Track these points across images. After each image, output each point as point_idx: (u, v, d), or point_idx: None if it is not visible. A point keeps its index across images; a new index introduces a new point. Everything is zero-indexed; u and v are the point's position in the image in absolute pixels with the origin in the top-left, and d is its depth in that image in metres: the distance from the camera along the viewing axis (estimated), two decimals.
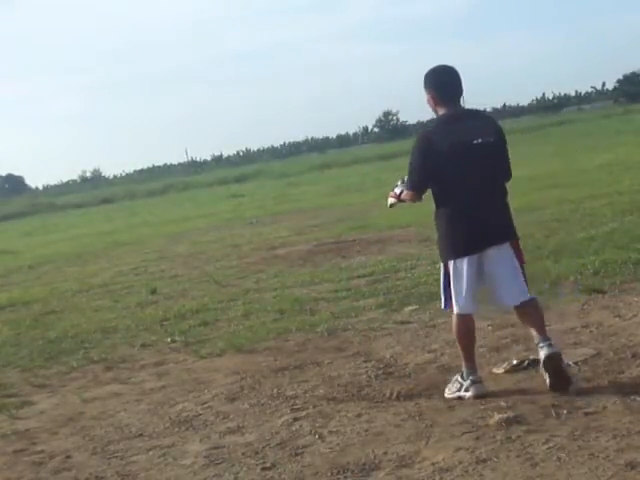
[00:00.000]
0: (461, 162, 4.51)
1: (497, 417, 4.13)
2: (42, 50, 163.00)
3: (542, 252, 8.35)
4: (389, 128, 70.96)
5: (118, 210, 34.87)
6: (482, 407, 4.36)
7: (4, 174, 78.10)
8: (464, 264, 4.54)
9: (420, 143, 4.65)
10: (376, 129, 74.02)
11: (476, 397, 4.49)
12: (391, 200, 4.92)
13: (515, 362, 4.95)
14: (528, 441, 3.83)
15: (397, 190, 4.86)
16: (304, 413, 4.74)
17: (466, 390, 4.55)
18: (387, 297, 7.54)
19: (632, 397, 4.16)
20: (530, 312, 4.67)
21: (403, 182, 4.82)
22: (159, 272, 12.12)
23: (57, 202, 48.96)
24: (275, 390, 5.27)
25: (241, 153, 78.43)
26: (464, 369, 4.62)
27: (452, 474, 3.63)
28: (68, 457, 4.67)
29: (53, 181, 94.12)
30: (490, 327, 5.95)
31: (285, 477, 3.92)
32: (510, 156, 4.76)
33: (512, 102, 75.18)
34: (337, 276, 9.13)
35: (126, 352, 7.05)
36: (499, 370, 4.94)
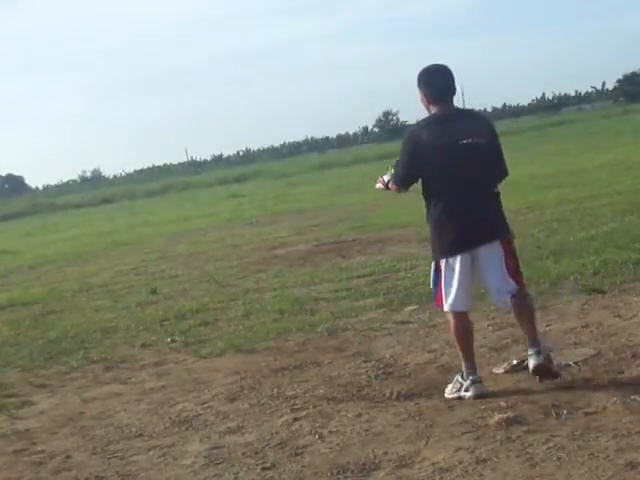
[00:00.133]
0: (448, 162, 4.55)
1: (497, 417, 4.13)
2: (42, 50, 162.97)
3: (542, 252, 8.35)
4: (389, 128, 70.85)
5: (118, 210, 34.87)
6: (482, 407, 4.36)
7: (4, 174, 78.08)
8: (456, 262, 4.58)
9: (408, 140, 4.71)
10: (376, 129, 73.96)
11: (476, 397, 4.50)
12: (379, 185, 5.10)
13: (515, 362, 4.95)
14: (528, 441, 3.83)
15: (386, 178, 5.00)
16: (304, 413, 4.74)
17: (466, 390, 4.55)
18: (387, 297, 7.54)
19: (632, 397, 4.16)
20: (522, 312, 4.71)
21: (393, 169, 4.92)
22: (159, 272, 12.13)
23: (57, 202, 48.95)
24: (275, 390, 5.27)
25: (241, 153, 78.38)
26: (464, 369, 4.63)
27: (452, 474, 3.63)
28: (68, 457, 4.68)
29: (53, 181, 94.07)
30: (490, 327, 5.95)
31: (285, 477, 3.92)
32: (505, 155, 4.78)
33: (512, 102, 75.13)
34: (337, 276, 9.13)
35: (126, 352, 7.06)
36: (499, 370, 4.94)
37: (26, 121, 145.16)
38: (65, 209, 44.14)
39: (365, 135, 74.24)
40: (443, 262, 4.63)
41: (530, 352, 4.62)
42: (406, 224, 12.40)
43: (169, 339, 7.24)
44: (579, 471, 3.46)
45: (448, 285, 4.62)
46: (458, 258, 4.57)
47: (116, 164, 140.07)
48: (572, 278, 7.00)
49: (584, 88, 75.42)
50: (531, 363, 4.59)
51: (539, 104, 70.87)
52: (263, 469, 4.04)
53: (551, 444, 3.75)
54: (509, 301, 4.70)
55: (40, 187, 77.79)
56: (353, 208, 17.49)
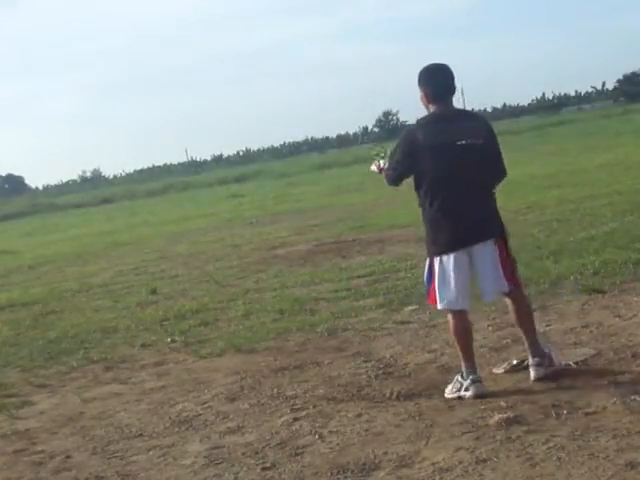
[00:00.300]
0: (445, 162, 4.57)
1: (497, 417, 4.13)
2: (42, 50, 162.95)
3: (542, 252, 8.35)
4: (389, 128, 70.80)
5: (118, 210, 34.87)
6: (482, 407, 4.36)
7: (4, 174, 78.08)
8: (450, 261, 4.60)
9: (403, 139, 4.75)
10: (376, 129, 73.93)
11: (476, 396, 4.50)
12: (373, 168, 5.12)
13: (515, 362, 4.95)
14: (528, 441, 3.83)
15: (381, 163, 5.00)
16: (304, 413, 4.74)
17: (466, 390, 4.55)
18: (387, 297, 7.54)
19: (632, 397, 4.16)
20: (520, 313, 4.77)
21: (390, 154, 4.92)
22: (159, 272, 12.13)
23: (57, 202, 48.95)
24: (275, 390, 5.27)
25: (241, 153, 78.37)
26: (463, 369, 4.63)
27: (452, 474, 3.63)
28: (68, 457, 4.68)
29: (53, 181, 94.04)
30: (490, 327, 5.96)
31: (285, 477, 3.92)
32: (504, 155, 4.80)
33: (512, 102, 75.12)
34: (337, 276, 9.13)
35: (126, 352, 7.06)
36: (499, 370, 4.94)
37: (26, 121, 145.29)
38: (65, 209, 44.14)
39: (365, 135, 74.17)
40: (437, 260, 4.65)
41: (532, 362, 4.69)
42: (406, 224, 12.39)
43: (169, 339, 7.24)
44: (579, 471, 3.46)
45: (442, 284, 4.63)
46: (452, 257, 4.59)
47: (116, 164, 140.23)
48: (572, 278, 7.00)
49: (584, 88, 75.48)
50: (533, 374, 4.66)
51: (539, 104, 70.85)
52: (263, 469, 4.04)
53: (551, 444, 3.75)
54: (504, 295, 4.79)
55: (40, 187, 77.88)
56: (353, 208, 17.49)
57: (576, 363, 4.86)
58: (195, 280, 10.70)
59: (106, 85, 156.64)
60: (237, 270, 11.00)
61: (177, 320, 8.04)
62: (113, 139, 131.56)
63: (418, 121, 4.77)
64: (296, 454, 4.15)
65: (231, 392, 5.40)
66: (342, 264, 9.98)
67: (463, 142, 4.56)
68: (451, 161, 4.56)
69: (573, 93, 73.96)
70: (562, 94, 72.52)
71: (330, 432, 4.37)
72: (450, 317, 4.72)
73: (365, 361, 5.63)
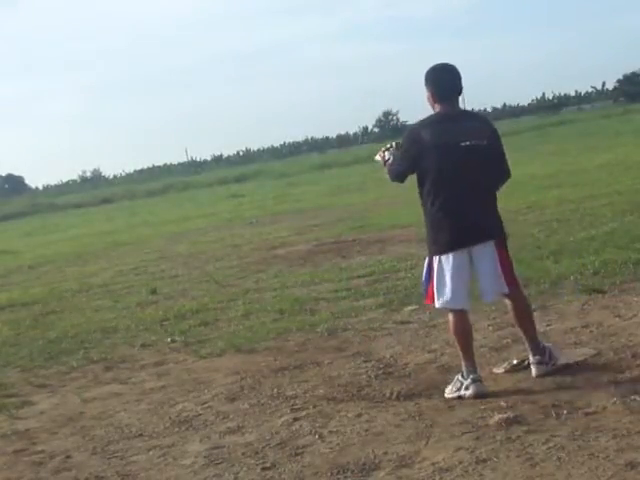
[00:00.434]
0: (448, 162, 4.58)
1: (497, 417, 4.13)
2: (42, 50, 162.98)
3: (542, 252, 8.35)
4: (389, 128, 70.84)
5: (118, 210, 34.87)
6: (482, 407, 4.35)
7: (4, 174, 78.04)
8: (449, 260, 4.61)
9: (408, 138, 4.78)
10: (376, 129, 73.94)
11: (476, 396, 4.50)
12: (378, 158, 5.06)
13: (515, 362, 4.95)
14: (528, 441, 3.83)
15: (387, 156, 4.96)
16: (304, 413, 4.74)
17: (466, 388, 4.55)
18: (387, 297, 7.54)
19: (632, 397, 4.16)
20: (520, 313, 4.80)
21: (396, 149, 4.90)
22: (159, 272, 12.12)
23: (57, 202, 48.95)
24: (275, 390, 5.27)
25: (241, 153, 78.36)
26: (464, 368, 4.64)
27: (452, 474, 3.63)
28: (68, 457, 4.68)
29: (53, 181, 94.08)
30: (490, 327, 5.96)
31: (285, 477, 3.92)
32: (507, 156, 4.81)
33: (512, 102, 75.15)
34: (337, 276, 9.13)
35: (126, 352, 7.05)
36: (499, 370, 4.94)
37: (26, 121, 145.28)
38: (65, 209, 44.14)
39: (365, 135, 74.18)
40: (436, 259, 4.66)
41: (533, 360, 4.72)
42: (406, 224, 12.39)
43: (169, 339, 7.24)
44: (579, 471, 3.46)
45: (440, 283, 4.65)
46: (451, 257, 4.60)
47: (116, 164, 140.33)
48: (572, 278, 7.00)
49: (584, 88, 75.48)
50: (534, 371, 4.70)
51: (539, 104, 70.83)
52: (263, 469, 4.04)
53: (551, 444, 3.75)
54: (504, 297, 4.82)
55: (40, 187, 77.87)
56: (353, 208, 17.49)
57: (576, 363, 4.86)
58: (195, 280, 10.70)
59: (106, 85, 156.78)
60: (237, 270, 11.00)
61: (177, 320, 8.04)
62: (113, 139, 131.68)
63: (423, 120, 4.78)
64: (296, 454, 4.15)
65: (231, 392, 5.40)
66: (342, 264, 9.98)
67: (467, 143, 4.58)
68: (455, 162, 4.57)
69: (573, 93, 74.02)
70: (562, 94, 72.55)
71: (330, 432, 4.37)
72: (450, 316, 4.74)
73: (365, 361, 5.63)
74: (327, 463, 3.96)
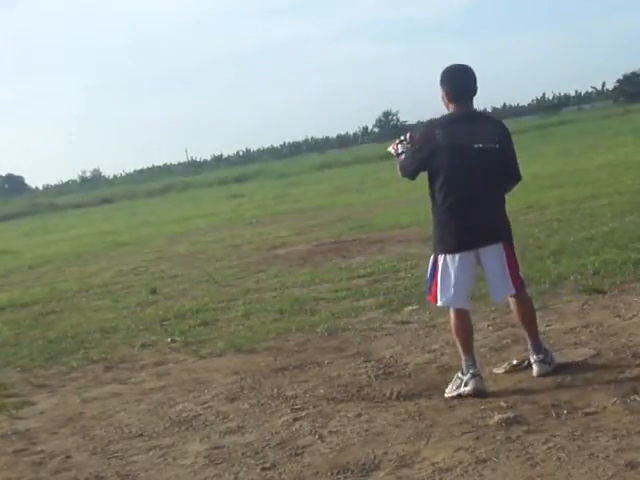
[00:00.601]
0: (460, 163, 4.60)
1: (497, 417, 4.13)
2: (42, 50, 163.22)
3: (542, 252, 8.35)
4: (389, 128, 70.86)
5: (118, 210, 34.87)
6: (482, 407, 4.35)
7: (4, 174, 78.14)
8: (455, 260, 4.62)
9: (421, 137, 4.78)
10: (376, 129, 73.99)
11: (475, 391, 4.49)
12: (390, 150, 5.05)
13: (515, 362, 4.95)
14: (528, 441, 3.83)
15: (400, 149, 4.95)
16: (304, 413, 4.74)
17: (465, 384, 4.55)
18: (387, 297, 7.54)
19: (632, 397, 4.16)
20: (523, 313, 4.81)
21: (408, 142, 4.88)
22: (159, 272, 12.12)
23: (57, 202, 48.95)
24: (275, 390, 5.27)
25: (241, 153, 78.46)
26: (463, 363, 4.64)
27: (452, 474, 3.63)
28: (68, 457, 4.67)
29: (53, 181, 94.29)
30: (490, 327, 5.95)
31: (285, 477, 3.92)
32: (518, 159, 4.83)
33: (512, 102, 75.26)
34: (337, 276, 9.13)
35: (126, 352, 7.05)
36: (499, 370, 4.94)
37: (26, 121, 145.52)
38: (65, 209, 44.14)
39: (365, 135, 74.27)
40: (441, 258, 4.68)
41: (535, 359, 4.73)
42: (406, 224, 12.41)
43: (169, 339, 7.23)
44: (579, 471, 3.46)
45: (444, 282, 4.66)
46: (457, 257, 4.62)
47: (116, 164, 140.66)
48: (572, 278, 7.00)
49: (584, 88, 75.56)
50: (536, 370, 4.71)
51: (539, 104, 70.86)
52: (263, 469, 4.03)
53: (551, 444, 3.75)
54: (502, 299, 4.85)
55: (40, 187, 77.98)
56: (353, 208, 17.49)
57: (576, 363, 4.86)
58: (195, 280, 10.70)
59: (106, 85, 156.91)
60: (237, 270, 10.99)
61: (177, 320, 8.04)
62: (113, 139, 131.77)
63: (437, 119, 4.81)
64: (296, 454, 4.15)
65: (231, 392, 5.40)
66: (342, 264, 9.98)
67: (480, 145, 4.60)
68: (467, 163, 4.59)
69: (573, 93, 74.09)
70: (562, 94, 72.63)
71: (330, 432, 4.37)
72: (451, 314, 4.75)
73: (365, 361, 5.63)
74: (327, 463, 3.96)
